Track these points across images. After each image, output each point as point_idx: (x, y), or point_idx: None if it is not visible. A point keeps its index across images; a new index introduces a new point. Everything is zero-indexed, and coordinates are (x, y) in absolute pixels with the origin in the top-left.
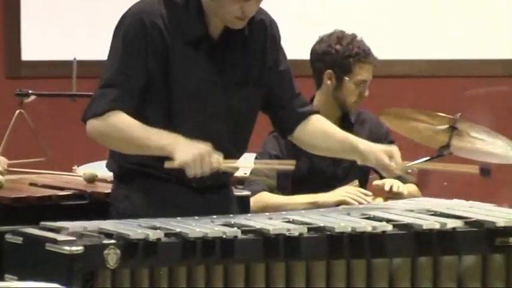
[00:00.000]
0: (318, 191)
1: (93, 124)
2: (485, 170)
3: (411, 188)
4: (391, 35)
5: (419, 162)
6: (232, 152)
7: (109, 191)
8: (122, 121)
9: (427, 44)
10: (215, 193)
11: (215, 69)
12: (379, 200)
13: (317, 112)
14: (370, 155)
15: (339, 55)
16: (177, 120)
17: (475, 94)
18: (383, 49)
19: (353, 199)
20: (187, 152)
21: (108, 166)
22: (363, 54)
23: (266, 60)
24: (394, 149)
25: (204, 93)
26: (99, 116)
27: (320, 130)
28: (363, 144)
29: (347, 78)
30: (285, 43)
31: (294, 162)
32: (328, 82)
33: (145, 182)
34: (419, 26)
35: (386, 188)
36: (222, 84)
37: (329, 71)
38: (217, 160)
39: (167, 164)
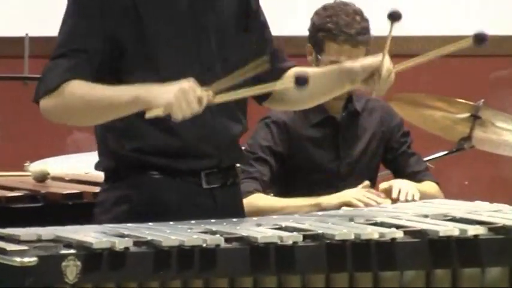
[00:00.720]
0: (317, 190)
1: (46, 103)
2: (482, 38)
3: (430, 187)
4: (404, 7)
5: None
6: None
7: (68, 191)
8: (80, 87)
9: (445, 18)
10: (225, 193)
11: (202, 13)
12: (387, 202)
13: (295, 66)
14: (357, 67)
15: (313, 28)
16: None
17: (502, 76)
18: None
19: (363, 202)
20: (167, 93)
21: (98, 166)
22: (335, 30)
23: (250, 6)
24: (381, 54)
25: (192, 47)
26: (52, 91)
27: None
28: (347, 62)
29: (319, 57)
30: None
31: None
32: (309, 58)
33: (147, 178)
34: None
35: (394, 194)
36: (211, 33)
37: (308, 44)
38: (207, 94)
39: (148, 114)
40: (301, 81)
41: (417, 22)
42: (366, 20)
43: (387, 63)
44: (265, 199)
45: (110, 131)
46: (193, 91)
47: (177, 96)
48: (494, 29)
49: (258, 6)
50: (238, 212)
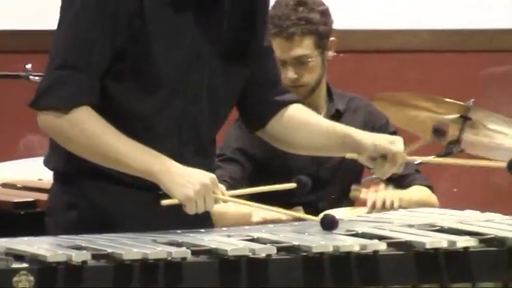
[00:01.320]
0: (296, 196)
1: (50, 120)
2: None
3: (419, 192)
4: None
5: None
6: (209, 146)
7: (20, 199)
8: (91, 124)
9: (431, 10)
10: None
11: (202, 36)
12: (364, 211)
13: (299, 101)
14: (367, 142)
15: None
16: (151, 105)
17: (494, 73)
18: (376, 17)
19: None
20: (189, 186)
21: (47, 162)
22: (270, 23)
23: (256, 29)
24: (396, 137)
25: (186, 70)
26: (62, 111)
27: (299, 121)
28: (356, 132)
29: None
30: None
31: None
32: None
33: (99, 185)
34: None
35: (369, 204)
36: (206, 57)
37: None
38: (222, 191)
39: (164, 202)
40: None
41: (399, 13)
42: (313, 10)
43: (402, 153)
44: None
45: None
46: (213, 190)
47: (197, 192)
48: (485, 23)
49: (264, 33)
50: (203, 221)
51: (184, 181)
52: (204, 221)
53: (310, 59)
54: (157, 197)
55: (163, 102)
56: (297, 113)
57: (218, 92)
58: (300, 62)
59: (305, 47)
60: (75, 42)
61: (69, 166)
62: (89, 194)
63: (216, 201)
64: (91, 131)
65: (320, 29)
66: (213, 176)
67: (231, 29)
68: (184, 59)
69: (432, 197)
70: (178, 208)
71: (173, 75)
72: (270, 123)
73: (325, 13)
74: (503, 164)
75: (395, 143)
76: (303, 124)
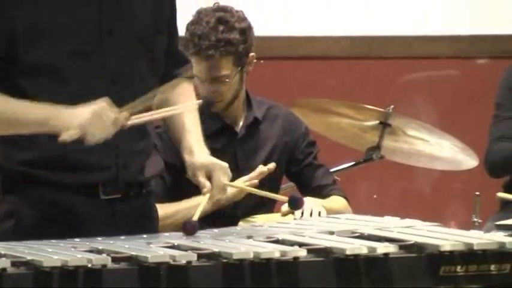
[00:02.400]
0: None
1: None
2: (295, 202)
3: (337, 202)
4: (306, 5)
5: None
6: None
7: None
8: None
9: (351, 17)
10: (129, 205)
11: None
12: (288, 218)
13: (189, 77)
14: (188, 166)
15: None
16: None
17: (413, 80)
18: (296, 23)
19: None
20: (79, 116)
21: None
22: (193, 43)
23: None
24: (218, 164)
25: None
26: None
27: (173, 100)
28: (189, 149)
29: None
30: None
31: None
32: None
33: (38, 192)
34: None
35: (297, 216)
36: (123, 37)
37: None
38: (123, 114)
39: (61, 138)
40: (294, 204)
41: (317, 19)
42: (233, 29)
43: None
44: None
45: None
46: (108, 113)
47: (92, 118)
48: (404, 29)
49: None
50: (145, 226)
51: (75, 115)
52: (146, 228)
53: (228, 79)
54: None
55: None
56: (175, 93)
57: (140, 67)
58: (218, 81)
59: (224, 68)
60: None
61: (6, 173)
62: (26, 201)
63: (116, 123)
64: None
65: (240, 48)
66: (104, 103)
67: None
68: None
69: (348, 208)
70: (114, 214)
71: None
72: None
73: (246, 31)
74: (285, 199)
75: (213, 175)
76: (169, 100)
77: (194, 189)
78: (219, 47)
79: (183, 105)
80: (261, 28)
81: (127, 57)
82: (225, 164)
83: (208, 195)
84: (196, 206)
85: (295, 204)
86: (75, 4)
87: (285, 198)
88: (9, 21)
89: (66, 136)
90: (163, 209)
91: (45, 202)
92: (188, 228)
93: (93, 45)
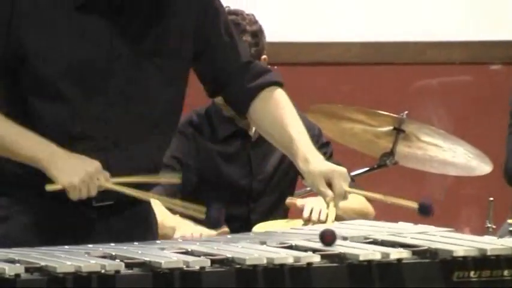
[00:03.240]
0: (229, 208)
1: None
2: (426, 209)
3: (355, 201)
4: (319, 11)
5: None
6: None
7: None
8: None
9: (364, 23)
10: (122, 213)
11: (117, 39)
12: (298, 223)
13: (276, 83)
14: (306, 175)
15: None
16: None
17: (427, 86)
18: (309, 29)
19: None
20: (73, 174)
21: None
22: None
23: (192, 25)
24: (337, 171)
25: (97, 89)
26: None
27: (268, 111)
28: (303, 157)
29: None
30: None
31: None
32: None
33: (29, 199)
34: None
35: (305, 213)
36: (123, 58)
37: None
38: (105, 177)
39: (49, 188)
40: (425, 210)
41: (331, 25)
42: (245, 32)
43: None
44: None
45: None
46: (98, 178)
47: (81, 180)
48: (417, 35)
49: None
50: (142, 234)
51: (69, 168)
52: (144, 235)
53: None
54: (85, 207)
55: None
56: (268, 98)
57: (148, 89)
58: None
59: None
60: None
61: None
62: (19, 207)
63: (100, 187)
64: None
65: (252, 51)
66: (97, 163)
67: (156, 30)
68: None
69: (368, 206)
70: (110, 220)
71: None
72: (251, 110)
73: (257, 33)
74: (415, 205)
75: (333, 181)
76: (269, 114)
77: (207, 194)
78: None
79: (164, 176)
80: (274, 34)
81: (131, 79)
82: (344, 170)
83: (331, 204)
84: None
85: (426, 211)
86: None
87: (415, 205)
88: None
89: (50, 188)
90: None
91: (36, 210)
92: (328, 237)
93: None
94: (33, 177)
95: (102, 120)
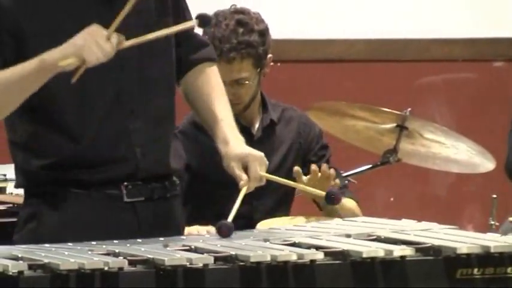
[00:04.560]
0: (231, 207)
1: None
2: (331, 196)
3: (348, 204)
4: (322, 9)
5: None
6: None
7: None
8: None
9: (367, 20)
10: (153, 210)
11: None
12: (301, 220)
13: (210, 59)
14: (224, 161)
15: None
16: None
17: (430, 83)
18: (312, 26)
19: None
20: (73, 41)
21: (16, 183)
22: (213, 46)
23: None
24: (253, 154)
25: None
26: None
27: (197, 85)
28: (223, 139)
29: None
30: None
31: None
32: None
33: (60, 195)
34: None
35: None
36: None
37: None
38: (117, 37)
39: (61, 63)
40: (331, 199)
41: (333, 22)
42: (253, 31)
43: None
44: None
45: (18, 148)
46: (100, 32)
47: (85, 39)
48: (420, 32)
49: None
50: (169, 230)
51: (68, 44)
52: (170, 232)
53: (248, 81)
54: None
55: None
56: (200, 75)
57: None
58: (237, 84)
59: (244, 70)
60: None
61: (30, 178)
62: (50, 203)
63: (110, 42)
64: None
65: (259, 50)
66: (97, 25)
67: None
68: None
69: (358, 210)
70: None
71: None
72: (183, 81)
73: (264, 32)
74: (322, 193)
75: (249, 165)
76: (199, 92)
77: (209, 192)
78: (240, 49)
79: (180, 25)
80: (277, 31)
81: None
82: (261, 154)
83: (244, 188)
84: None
85: (332, 200)
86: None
87: (322, 193)
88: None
89: (65, 64)
90: None
91: (67, 205)
92: (224, 230)
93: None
94: (59, 173)
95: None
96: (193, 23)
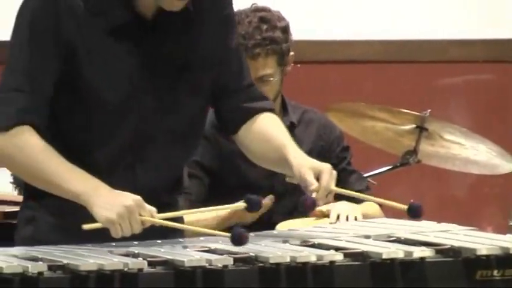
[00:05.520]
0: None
1: None
2: (415, 210)
3: (370, 208)
4: (341, 10)
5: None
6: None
7: None
8: (31, 144)
9: (386, 21)
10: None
11: (148, 66)
12: (324, 222)
13: (270, 110)
14: (295, 169)
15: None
16: (89, 145)
17: (450, 84)
18: (330, 28)
19: None
20: (111, 209)
21: (15, 179)
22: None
23: (217, 43)
24: (325, 168)
25: (132, 104)
26: (3, 130)
27: (260, 132)
28: (295, 155)
29: None
30: None
31: (243, 204)
32: None
33: (55, 201)
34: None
35: (332, 219)
36: (158, 88)
37: None
38: (150, 213)
39: (86, 227)
40: (414, 212)
41: (352, 24)
42: (276, 28)
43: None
44: None
45: None
46: (139, 211)
47: (121, 216)
48: (440, 33)
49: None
50: (169, 234)
51: (107, 204)
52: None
53: (272, 78)
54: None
55: (111, 129)
56: (261, 122)
57: (179, 110)
58: (261, 81)
59: (268, 67)
60: (22, 66)
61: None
62: (46, 208)
63: (144, 223)
64: (28, 152)
65: (283, 47)
66: (138, 198)
67: (190, 49)
68: (128, 86)
69: (382, 214)
70: None
71: (117, 102)
72: (241, 131)
73: (286, 29)
74: (404, 207)
75: (321, 176)
76: (261, 135)
77: (229, 195)
78: (265, 46)
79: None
80: (295, 32)
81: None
82: (331, 168)
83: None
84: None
85: (415, 212)
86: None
87: (404, 207)
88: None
89: (87, 227)
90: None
91: (62, 210)
92: (239, 239)
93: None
94: None
95: (137, 132)
96: (243, 205)
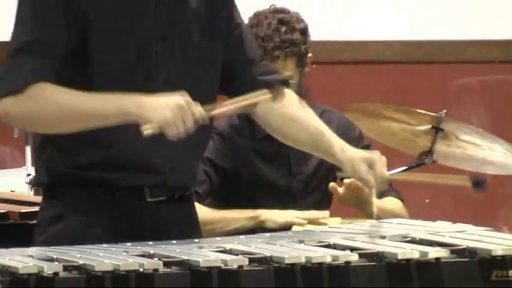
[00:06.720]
0: (264, 208)
1: (10, 104)
2: (479, 183)
3: (391, 203)
4: (358, 10)
5: (400, 172)
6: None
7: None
8: (53, 92)
9: (403, 21)
10: (174, 208)
11: (165, 22)
12: (337, 221)
13: (286, 83)
14: (346, 163)
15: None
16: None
17: (466, 84)
18: (348, 28)
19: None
20: (163, 108)
21: (35, 179)
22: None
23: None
24: (376, 156)
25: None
26: (18, 92)
27: (289, 115)
28: (339, 147)
29: None
30: None
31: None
32: None
33: (85, 195)
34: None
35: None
36: (176, 42)
37: None
38: (198, 110)
39: (146, 131)
40: (478, 185)
41: (369, 23)
42: (295, 30)
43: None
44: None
45: (48, 146)
46: (190, 107)
47: (174, 113)
48: (457, 33)
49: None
50: (190, 229)
51: (160, 106)
52: (191, 232)
53: (290, 80)
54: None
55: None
56: (295, 108)
57: (194, 71)
58: None
59: (288, 69)
60: (29, 29)
61: (55, 178)
62: (74, 204)
63: (196, 120)
64: (54, 98)
65: (302, 49)
66: (187, 97)
67: (195, 9)
68: (148, 44)
69: (404, 210)
70: (161, 217)
71: (133, 62)
72: (260, 108)
73: (305, 31)
74: (467, 182)
75: (374, 166)
76: (291, 118)
77: (243, 197)
78: (284, 48)
79: (254, 93)
80: (313, 33)
81: (179, 61)
82: (382, 156)
83: (373, 191)
84: (241, 219)
85: (479, 186)
86: (134, 12)
87: (467, 183)
88: (83, 14)
89: (146, 131)
90: (208, 214)
91: (92, 205)
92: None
93: (148, 50)
94: (90, 173)
95: None
96: (267, 94)
